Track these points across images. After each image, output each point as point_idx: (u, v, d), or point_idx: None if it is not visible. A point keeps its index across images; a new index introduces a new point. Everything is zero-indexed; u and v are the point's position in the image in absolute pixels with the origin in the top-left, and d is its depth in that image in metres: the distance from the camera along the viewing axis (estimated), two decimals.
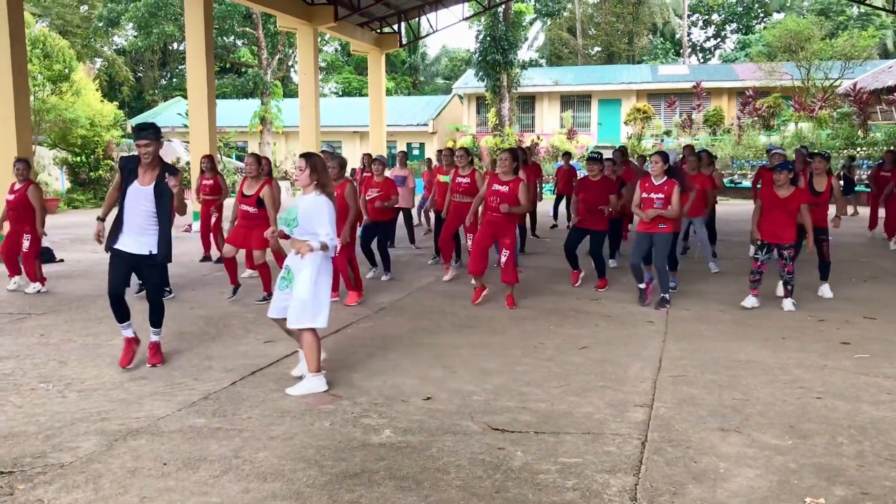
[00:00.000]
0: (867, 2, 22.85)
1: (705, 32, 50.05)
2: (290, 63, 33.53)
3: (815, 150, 8.61)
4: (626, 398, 4.46)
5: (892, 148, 17.54)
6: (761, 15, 46.76)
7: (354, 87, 43.96)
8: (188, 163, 18.25)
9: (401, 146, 29.59)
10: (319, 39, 25.21)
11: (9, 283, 8.10)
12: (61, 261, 10.21)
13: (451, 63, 48.81)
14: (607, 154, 9.93)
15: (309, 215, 4.54)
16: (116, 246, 5.02)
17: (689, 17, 45.83)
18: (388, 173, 10.53)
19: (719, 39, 49.91)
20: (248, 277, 8.64)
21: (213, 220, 9.84)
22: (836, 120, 25.11)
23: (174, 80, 44.68)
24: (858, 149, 21.98)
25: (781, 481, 3.30)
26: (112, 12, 31.42)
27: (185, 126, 19.92)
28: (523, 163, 10.72)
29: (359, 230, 8.20)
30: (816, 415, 4.15)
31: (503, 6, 27.07)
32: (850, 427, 3.95)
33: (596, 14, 45.66)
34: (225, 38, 34.50)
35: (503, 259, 7.14)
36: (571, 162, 14.19)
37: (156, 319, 5.24)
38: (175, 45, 42.08)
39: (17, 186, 7.88)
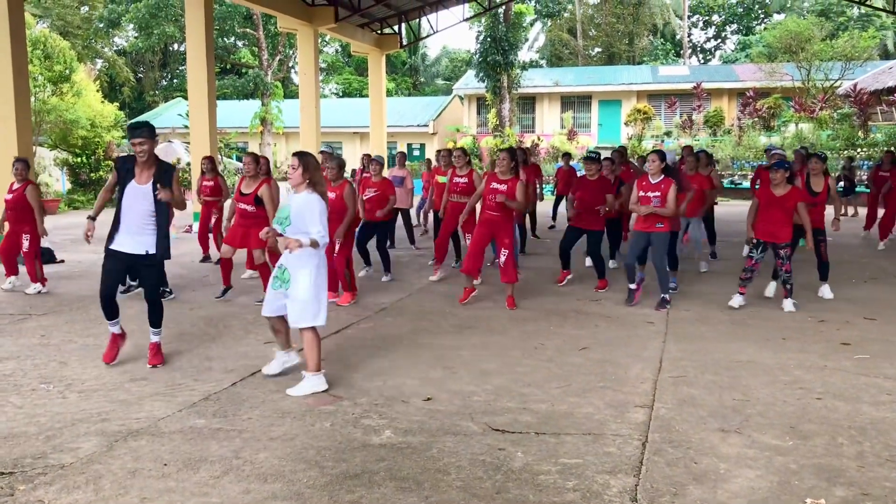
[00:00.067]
0: (867, 3, 22.84)
1: (706, 33, 50.09)
2: (290, 64, 33.55)
3: (814, 152, 8.59)
4: (626, 399, 4.46)
5: (891, 148, 17.53)
6: (761, 16, 46.76)
7: (355, 87, 43.98)
8: (188, 163, 18.26)
9: (401, 147, 29.58)
10: (320, 40, 25.25)
11: (4, 282, 8.10)
12: (62, 261, 10.22)
13: (452, 64, 48.82)
14: (607, 154, 9.93)
15: (301, 213, 4.57)
16: (113, 246, 5.03)
17: (689, 17, 45.83)
18: (386, 174, 10.54)
19: (720, 40, 49.96)
20: (249, 278, 8.65)
21: (214, 220, 9.85)
22: (836, 121, 25.10)
23: (175, 80, 44.71)
24: (859, 150, 21.97)
25: (782, 482, 3.30)
26: (113, 13, 31.45)
27: (186, 127, 19.93)
28: (523, 163, 10.72)
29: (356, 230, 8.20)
30: (817, 415, 4.15)
31: (503, 7, 27.08)
32: (851, 428, 3.95)
33: (596, 15, 45.66)
34: (225, 39, 34.56)
35: (502, 259, 7.13)
36: (571, 163, 14.19)
37: (155, 320, 5.24)
38: (176, 46, 42.10)
39: (16, 186, 7.89)
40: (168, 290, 7.63)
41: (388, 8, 20.51)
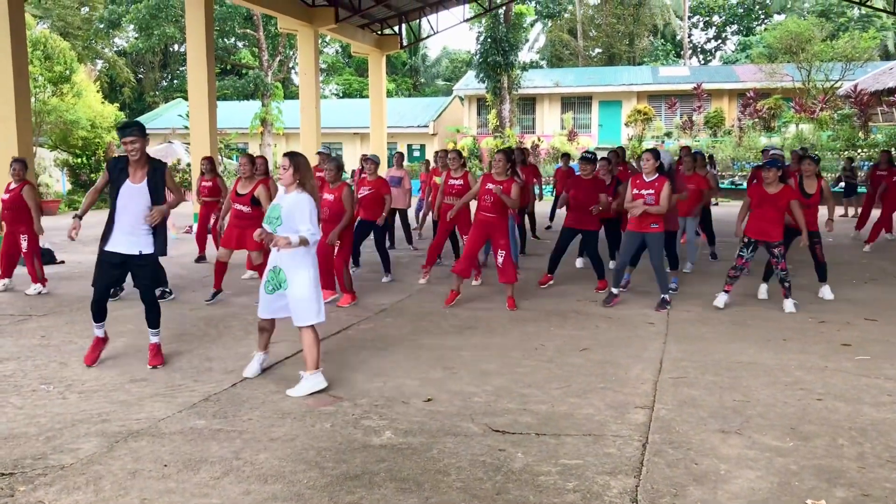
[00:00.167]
0: (868, 3, 22.85)
1: (706, 34, 50.11)
2: (290, 65, 33.55)
3: (807, 153, 8.59)
4: (626, 400, 4.46)
5: (888, 148, 17.54)
6: (762, 16, 46.78)
7: (355, 88, 44.00)
8: (189, 164, 18.27)
9: (401, 147, 29.60)
10: (320, 41, 25.25)
11: None
12: (62, 262, 10.22)
13: (452, 65, 48.83)
14: (606, 155, 9.93)
15: (292, 213, 4.61)
16: (108, 247, 5.03)
17: (689, 18, 45.85)
18: (384, 174, 10.52)
19: (720, 41, 49.98)
20: (249, 278, 8.65)
21: (213, 221, 9.86)
22: (836, 121, 25.11)
23: (175, 81, 44.73)
24: (859, 150, 21.98)
25: (782, 483, 3.30)
26: (113, 14, 31.44)
27: (186, 128, 19.96)
28: (521, 163, 10.73)
29: None
30: (817, 416, 4.14)
31: (504, 8, 27.09)
32: (851, 429, 3.95)
33: (597, 15, 45.68)
34: (226, 40, 34.56)
35: (500, 260, 7.12)
36: (571, 163, 14.21)
37: (153, 320, 5.22)
38: (176, 47, 42.11)
39: (13, 186, 7.90)
40: (168, 290, 7.63)
41: (388, 9, 20.51)
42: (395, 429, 3.96)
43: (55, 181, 21.79)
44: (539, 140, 28.05)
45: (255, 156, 7.74)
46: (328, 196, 7.19)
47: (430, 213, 10.36)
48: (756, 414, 4.19)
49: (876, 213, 12.04)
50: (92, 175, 21.62)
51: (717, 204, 18.36)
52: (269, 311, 4.80)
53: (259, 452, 3.64)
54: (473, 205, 7.57)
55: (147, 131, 5.32)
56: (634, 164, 12.97)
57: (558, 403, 4.39)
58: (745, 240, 7.04)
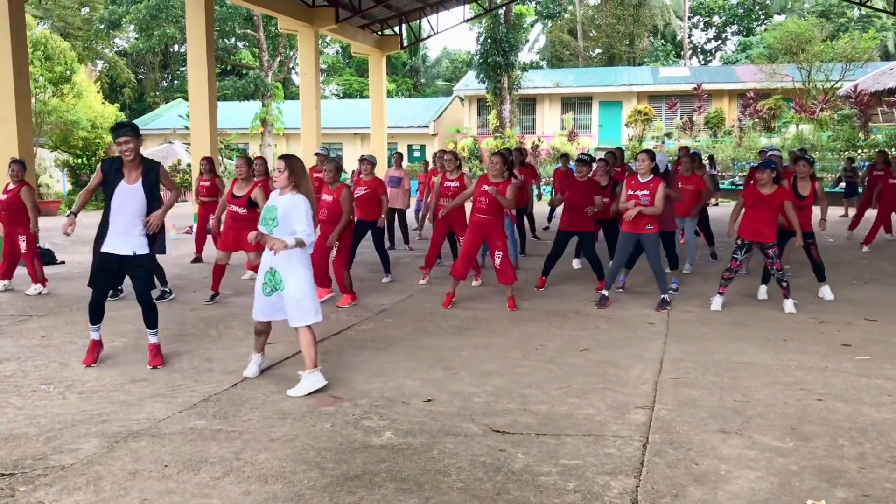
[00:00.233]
0: (868, 4, 22.85)
1: (706, 34, 50.11)
2: (291, 65, 33.56)
3: (801, 155, 8.59)
4: (627, 400, 4.46)
5: (883, 148, 17.57)
6: (762, 17, 46.79)
7: (355, 89, 44.00)
8: (189, 164, 18.27)
9: (401, 148, 29.60)
10: (320, 41, 25.26)
11: None
12: (62, 262, 10.23)
13: (452, 65, 48.82)
14: (604, 156, 9.93)
15: (288, 214, 4.62)
16: (104, 249, 5.03)
17: (689, 19, 45.85)
18: (384, 174, 10.51)
19: (720, 41, 49.99)
20: (249, 279, 8.65)
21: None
22: (836, 122, 25.11)
23: (175, 81, 44.74)
24: (859, 151, 21.98)
25: (782, 483, 3.30)
26: (113, 14, 31.46)
27: (187, 128, 19.95)
28: (520, 164, 10.73)
29: None
30: (817, 417, 4.14)
31: (504, 8, 27.10)
32: (852, 429, 3.95)
33: (597, 16, 45.68)
34: (226, 41, 34.56)
35: (497, 261, 7.12)
36: (570, 164, 14.20)
37: (151, 320, 5.21)
38: (176, 47, 42.12)
39: (11, 187, 7.90)
40: (168, 290, 7.63)
41: (388, 9, 20.52)
42: (396, 429, 3.96)
43: (55, 182, 21.81)
44: (539, 140, 28.05)
45: (251, 158, 7.75)
46: (327, 197, 7.19)
47: (429, 215, 10.35)
48: (756, 414, 4.19)
49: (872, 214, 12.05)
50: (92, 176, 21.64)
51: (717, 204, 18.38)
52: (265, 314, 4.81)
53: (259, 453, 3.64)
54: (470, 205, 7.56)
55: (141, 132, 5.33)
56: (633, 165, 12.98)
57: (558, 404, 4.39)
58: (739, 241, 7.05)
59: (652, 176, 6.94)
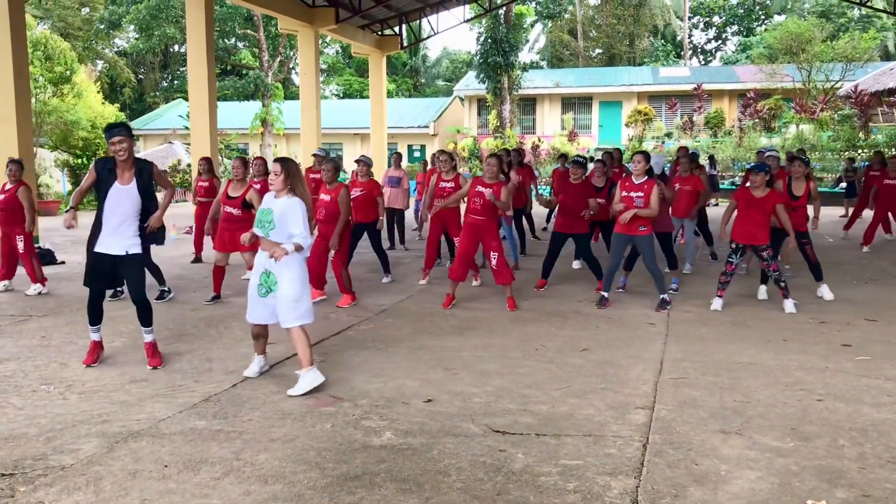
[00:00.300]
0: (868, 4, 22.85)
1: (706, 34, 50.12)
2: (291, 65, 33.58)
3: (796, 155, 8.60)
4: (627, 400, 4.46)
5: (879, 149, 17.59)
6: (762, 17, 46.79)
7: (355, 89, 44.01)
8: (189, 165, 18.28)
9: (401, 148, 29.60)
10: (320, 41, 25.26)
11: None
12: (62, 263, 10.23)
13: (452, 65, 48.84)
14: (601, 157, 9.92)
15: (284, 217, 4.62)
16: (96, 249, 5.03)
17: (689, 19, 45.86)
18: (383, 175, 10.49)
19: (720, 41, 50.00)
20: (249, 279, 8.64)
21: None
22: (837, 122, 25.12)
23: (175, 82, 44.76)
24: (859, 151, 21.98)
25: (783, 483, 3.30)
26: (113, 14, 31.48)
27: (187, 128, 19.96)
28: (518, 164, 10.73)
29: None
30: (818, 417, 4.14)
31: (504, 8, 27.10)
32: (852, 429, 3.95)
33: (597, 16, 45.69)
34: (226, 41, 34.57)
35: (493, 262, 7.12)
36: (568, 164, 14.21)
37: (146, 319, 5.20)
38: (176, 48, 42.13)
39: (8, 187, 7.91)
40: (167, 289, 7.63)
41: (388, 9, 20.53)
42: (396, 429, 3.96)
43: (55, 182, 21.80)
44: (539, 141, 28.05)
45: (247, 159, 7.75)
46: (324, 197, 7.21)
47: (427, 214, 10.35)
48: (756, 414, 4.19)
49: (869, 214, 12.06)
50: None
51: (717, 204, 18.37)
52: (260, 317, 4.81)
53: (259, 453, 3.64)
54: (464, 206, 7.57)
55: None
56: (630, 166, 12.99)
57: (559, 404, 4.39)
58: (733, 245, 7.05)
59: (646, 178, 6.94)
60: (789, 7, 42.73)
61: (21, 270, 8.22)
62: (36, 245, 9.04)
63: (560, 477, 3.37)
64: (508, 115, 29.39)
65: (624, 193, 7.00)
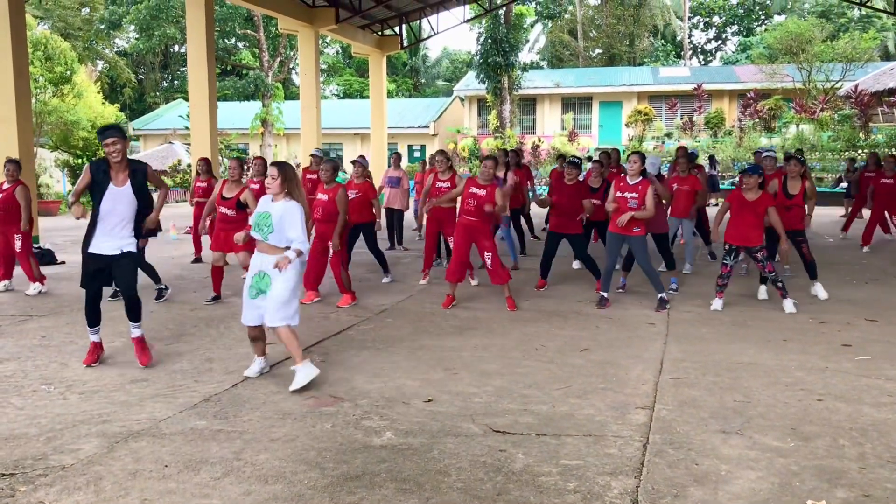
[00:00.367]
0: (868, 4, 22.85)
1: (706, 34, 50.14)
2: (291, 65, 33.58)
3: (791, 154, 8.60)
4: (627, 400, 4.46)
5: (874, 150, 17.62)
6: (762, 17, 46.80)
7: (356, 89, 44.03)
8: (189, 165, 18.29)
9: (401, 148, 29.60)
10: (321, 42, 25.26)
11: None
12: (62, 263, 10.23)
13: (452, 65, 48.86)
14: (598, 157, 9.92)
15: (282, 221, 4.64)
16: (91, 250, 5.04)
17: (689, 19, 45.87)
18: (383, 175, 10.47)
19: (720, 41, 50.02)
20: None
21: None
22: (837, 122, 25.13)
23: (175, 82, 44.77)
24: (860, 151, 21.99)
25: (783, 483, 3.30)
26: (113, 15, 31.50)
27: (187, 128, 19.96)
28: (515, 165, 10.73)
29: None
30: (818, 417, 4.14)
31: (504, 9, 27.10)
32: (852, 429, 3.95)
33: (597, 16, 45.70)
34: (226, 41, 34.61)
35: (488, 262, 7.11)
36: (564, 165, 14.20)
37: (135, 314, 5.18)
38: (176, 48, 42.15)
39: (6, 187, 7.91)
40: (164, 286, 7.63)
41: (388, 9, 20.54)
42: (396, 429, 3.96)
43: (55, 182, 21.81)
44: (539, 141, 28.06)
45: (244, 160, 7.75)
46: (322, 196, 7.22)
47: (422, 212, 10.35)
48: (757, 414, 4.19)
49: (866, 215, 12.06)
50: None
51: (716, 204, 18.36)
52: (252, 319, 4.82)
53: (260, 453, 3.64)
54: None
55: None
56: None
57: (559, 404, 4.39)
58: (727, 247, 7.05)
59: (641, 178, 6.94)
60: (789, 7, 42.75)
61: (21, 270, 8.22)
62: (36, 245, 9.05)
63: (560, 477, 3.37)
64: (508, 116, 29.40)
65: (618, 194, 7.00)
